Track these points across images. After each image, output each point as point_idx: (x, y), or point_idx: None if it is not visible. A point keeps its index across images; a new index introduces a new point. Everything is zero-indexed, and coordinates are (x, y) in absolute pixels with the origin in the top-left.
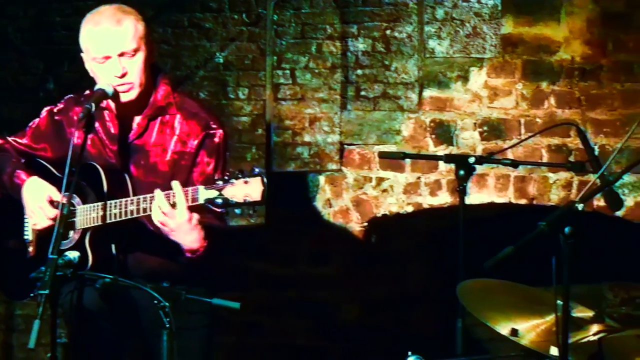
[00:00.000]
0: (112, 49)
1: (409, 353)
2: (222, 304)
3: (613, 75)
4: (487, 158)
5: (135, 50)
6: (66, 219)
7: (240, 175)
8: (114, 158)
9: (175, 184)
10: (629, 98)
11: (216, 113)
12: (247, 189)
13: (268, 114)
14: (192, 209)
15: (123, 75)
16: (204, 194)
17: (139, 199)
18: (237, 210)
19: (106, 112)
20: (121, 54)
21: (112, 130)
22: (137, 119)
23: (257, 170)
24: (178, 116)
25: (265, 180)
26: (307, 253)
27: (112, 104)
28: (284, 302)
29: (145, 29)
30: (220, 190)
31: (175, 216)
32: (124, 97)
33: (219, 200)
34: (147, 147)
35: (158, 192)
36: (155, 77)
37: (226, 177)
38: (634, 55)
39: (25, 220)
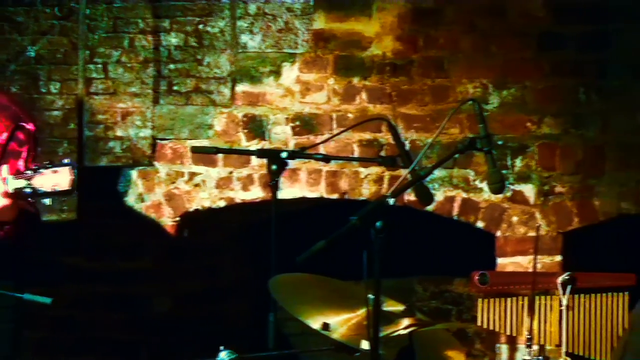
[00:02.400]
0: None
1: (221, 347)
2: (33, 299)
3: (424, 71)
4: (299, 153)
5: None
6: None
7: (49, 165)
8: None
9: None
10: (439, 94)
11: (28, 107)
12: (56, 179)
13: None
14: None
15: None
16: (13, 183)
17: None
18: (46, 201)
19: None
20: None
21: None
22: None
23: (66, 160)
24: None
25: (74, 169)
26: (120, 247)
27: None
28: (97, 296)
29: None
30: (29, 179)
31: None
32: None
33: (28, 190)
34: None
35: None
36: None
37: (35, 167)
38: (444, 51)
39: None
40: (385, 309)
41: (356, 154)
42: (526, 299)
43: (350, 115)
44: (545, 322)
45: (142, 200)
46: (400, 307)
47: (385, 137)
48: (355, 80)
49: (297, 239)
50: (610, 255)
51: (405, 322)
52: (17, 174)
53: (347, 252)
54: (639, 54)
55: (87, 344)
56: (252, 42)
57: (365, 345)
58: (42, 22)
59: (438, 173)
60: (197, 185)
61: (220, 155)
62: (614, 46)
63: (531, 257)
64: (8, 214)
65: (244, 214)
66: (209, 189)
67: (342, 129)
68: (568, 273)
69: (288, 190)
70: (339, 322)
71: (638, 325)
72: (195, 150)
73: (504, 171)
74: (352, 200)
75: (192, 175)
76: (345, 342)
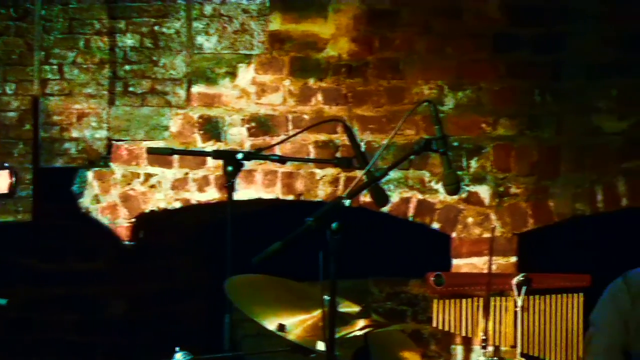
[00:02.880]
0: None
1: (177, 349)
2: None
3: (379, 72)
4: (255, 154)
5: None
6: None
7: None
8: None
9: None
10: (394, 95)
11: None
12: None
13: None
14: None
15: None
16: None
17: None
18: None
19: None
20: None
21: None
22: None
23: (6, 164)
24: None
25: (14, 173)
26: (75, 249)
27: None
28: (52, 298)
29: None
30: None
31: None
32: None
33: None
34: None
35: None
36: None
37: None
38: (399, 52)
39: None
40: (340, 310)
41: (312, 155)
42: (481, 300)
43: (306, 116)
44: (500, 323)
45: (98, 202)
46: (355, 308)
47: (341, 138)
48: (311, 82)
49: (253, 240)
50: (565, 256)
51: (361, 323)
52: None
53: (303, 253)
54: (593, 56)
55: (43, 345)
56: (207, 43)
57: (321, 346)
58: None
59: (393, 174)
60: (152, 186)
61: (176, 157)
62: (569, 48)
63: (486, 258)
64: None
65: (199, 215)
66: (165, 190)
67: (297, 130)
68: (523, 274)
69: (244, 192)
70: (295, 324)
71: (597, 326)
72: (150, 151)
73: (459, 172)
74: (307, 201)
75: (148, 176)
76: (301, 343)
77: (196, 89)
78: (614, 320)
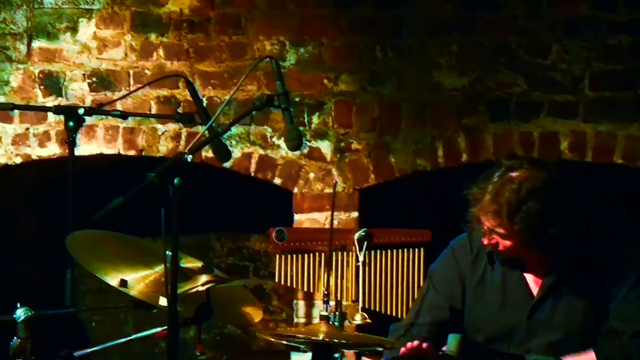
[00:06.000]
0: None
1: (18, 305)
2: None
3: (221, 28)
4: (96, 109)
5: None
6: None
7: None
8: None
9: None
10: (236, 51)
11: None
12: None
13: None
14: None
15: None
16: None
17: None
18: None
19: None
20: None
21: None
22: None
23: None
24: None
25: None
26: None
27: None
28: None
29: None
30: None
31: None
32: None
33: None
34: None
35: None
36: None
37: None
38: (241, 8)
39: None
40: (183, 265)
41: (154, 111)
42: (323, 255)
43: (147, 72)
44: (342, 278)
45: None
46: (197, 264)
47: (183, 94)
48: (153, 37)
49: (95, 196)
50: (406, 212)
51: (203, 278)
52: None
53: (144, 209)
54: (434, 12)
55: None
56: None
57: (162, 302)
58: None
59: (235, 130)
60: None
61: (16, 112)
62: (410, 4)
63: (328, 213)
64: None
65: (41, 170)
66: (5, 145)
67: (139, 85)
68: (364, 229)
69: (85, 147)
70: (137, 279)
71: (433, 279)
72: None
73: (300, 128)
74: (149, 157)
75: None
76: (143, 299)
77: (37, 44)
78: (451, 276)
